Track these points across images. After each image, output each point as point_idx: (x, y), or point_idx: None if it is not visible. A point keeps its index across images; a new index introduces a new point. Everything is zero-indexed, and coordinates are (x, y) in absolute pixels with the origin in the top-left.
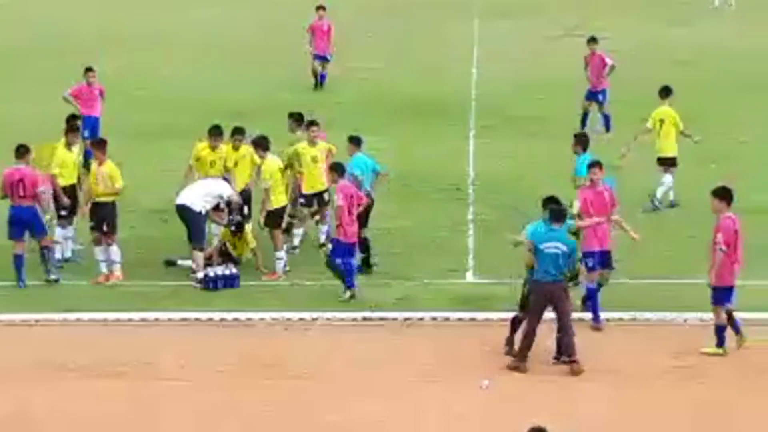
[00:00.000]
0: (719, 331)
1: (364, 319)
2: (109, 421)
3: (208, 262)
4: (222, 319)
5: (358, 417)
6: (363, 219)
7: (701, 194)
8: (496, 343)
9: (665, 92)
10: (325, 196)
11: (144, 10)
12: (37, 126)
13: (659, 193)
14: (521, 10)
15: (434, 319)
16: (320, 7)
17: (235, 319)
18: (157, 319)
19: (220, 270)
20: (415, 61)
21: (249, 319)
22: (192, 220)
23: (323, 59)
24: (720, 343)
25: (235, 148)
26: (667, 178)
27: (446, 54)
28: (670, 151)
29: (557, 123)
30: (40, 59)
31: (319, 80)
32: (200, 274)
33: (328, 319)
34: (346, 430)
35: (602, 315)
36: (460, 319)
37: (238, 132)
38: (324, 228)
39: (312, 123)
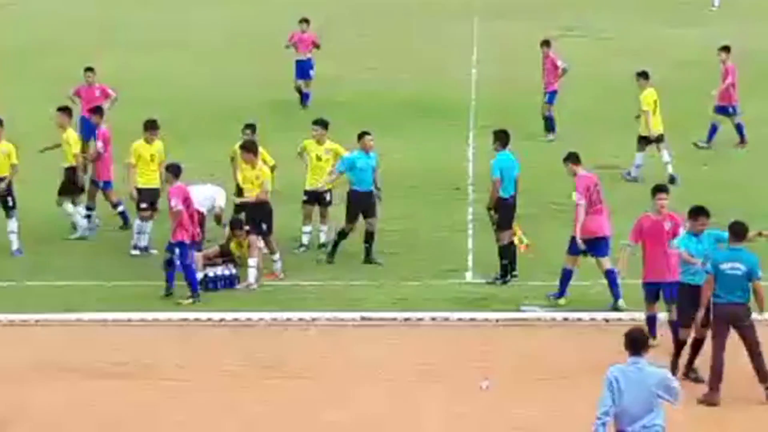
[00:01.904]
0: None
1: (364, 319)
2: (109, 421)
3: (209, 262)
4: (222, 319)
5: (357, 417)
6: (370, 211)
7: (700, 195)
8: (496, 343)
9: (646, 75)
10: (327, 196)
11: (144, 10)
12: (37, 126)
13: (671, 168)
14: (521, 10)
15: (434, 319)
16: (304, 20)
17: (235, 319)
18: (157, 319)
19: (219, 270)
20: (415, 61)
21: (249, 319)
22: None
23: (306, 77)
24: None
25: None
26: (666, 154)
27: (446, 54)
28: (661, 127)
29: (557, 123)
30: (40, 59)
31: (303, 99)
32: (200, 275)
33: (328, 319)
34: (345, 430)
35: (601, 315)
36: (460, 319)
37: (250, 129)
38: (324, 228)
39: (315, 122)
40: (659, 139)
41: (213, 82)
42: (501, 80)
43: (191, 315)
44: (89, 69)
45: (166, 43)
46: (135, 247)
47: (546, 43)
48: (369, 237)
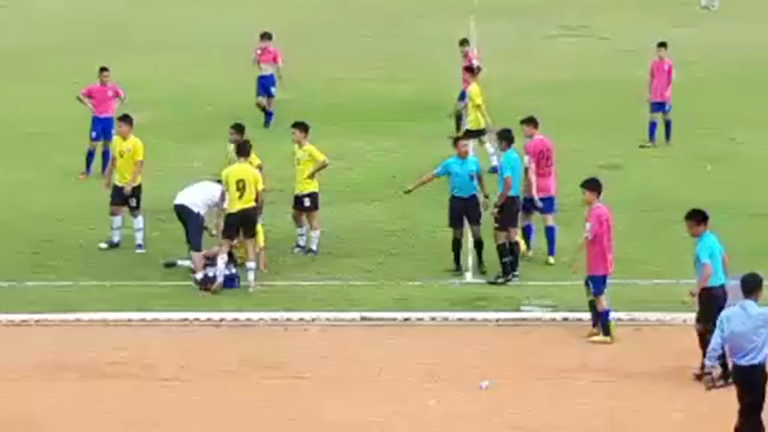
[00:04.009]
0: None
1: (364, 319)
2: (109, 421)
3: (208, 263)
4: (222, 319)
5: (357, 417)
6: (472, 218)
7: (700, 194)
8: (496, 343)
9: (472, 70)
10: (305, 201)
11: (144, 10)
12: (37, 126)
13: (496, 160)
14: (520, 10)
15: (434, 319)
16: (265, 35)
17: (235, 319)
18: (157, 319)
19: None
20: (415, 61)
21: (249, 319)
22: (190, 221)
23: (269, 94)
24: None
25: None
26: (489, 147)
27: (445, 54)
28: (482, 123)
29: (556, 122)
30: (40, 59)
31: (266, 118)
32: (199, 275)
33: (328, 319)
34: (345, 430)
35: None
36: (460, 319)
37: (236, 130)
38: (316, 233)
39: (293, 125)
40: (481, 133)
41: (213, 83)
42: (500, 80)
43: (191, 315)
44: (104, 69)
45: (165, 43)
46: (109, 243)
47: (465, 42)
48: (476, 244)
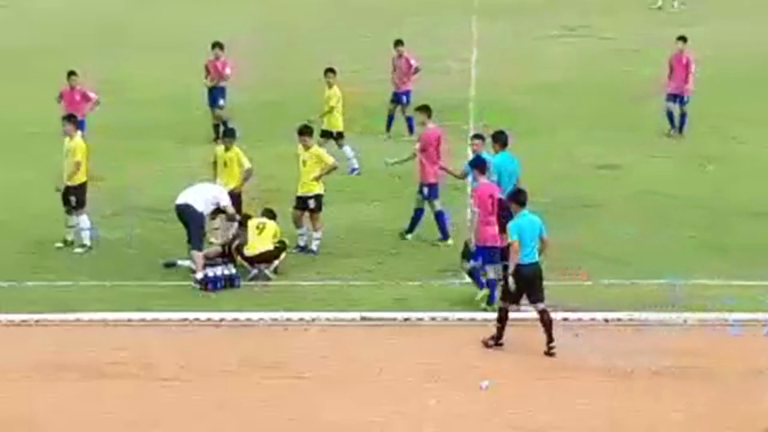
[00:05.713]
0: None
1: (364, 319)
2: (109, 421)
3: (209, 262)
4: (222, 319)
5: (357, 417)
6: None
7: (701, 193)
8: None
9: (334, 72)
10: (310, 202)
11: (144, 10)
12: (37, 126)
13: (356, 162)
14: (520, 10)
15: (434, 319)
16: (216, 44)
17: (235, 319)
18: (157, 319)
19: (219, 270)
20: (414, 60)
21: (249, 319)
22: (192, 220)
23: (218, 106)
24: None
25: (226, 149)
26: (348, 149)
27: (444, 54)
28: (340, 126)
29: (556, 122)
30: (40, 59)
31: (221, 128)
32: (200, 275)
33: (328, 319)
34: (345, 430)
35: (601, 315)
36: (460, 319)
37: (228, 134)
38: (317, 234)
39: (303, 130)
40: (339, 136)
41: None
42: (501, 80)
43: (191, 315)
44: (72, 73)
45: (165, 43)
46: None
47: (400, 42)
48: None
